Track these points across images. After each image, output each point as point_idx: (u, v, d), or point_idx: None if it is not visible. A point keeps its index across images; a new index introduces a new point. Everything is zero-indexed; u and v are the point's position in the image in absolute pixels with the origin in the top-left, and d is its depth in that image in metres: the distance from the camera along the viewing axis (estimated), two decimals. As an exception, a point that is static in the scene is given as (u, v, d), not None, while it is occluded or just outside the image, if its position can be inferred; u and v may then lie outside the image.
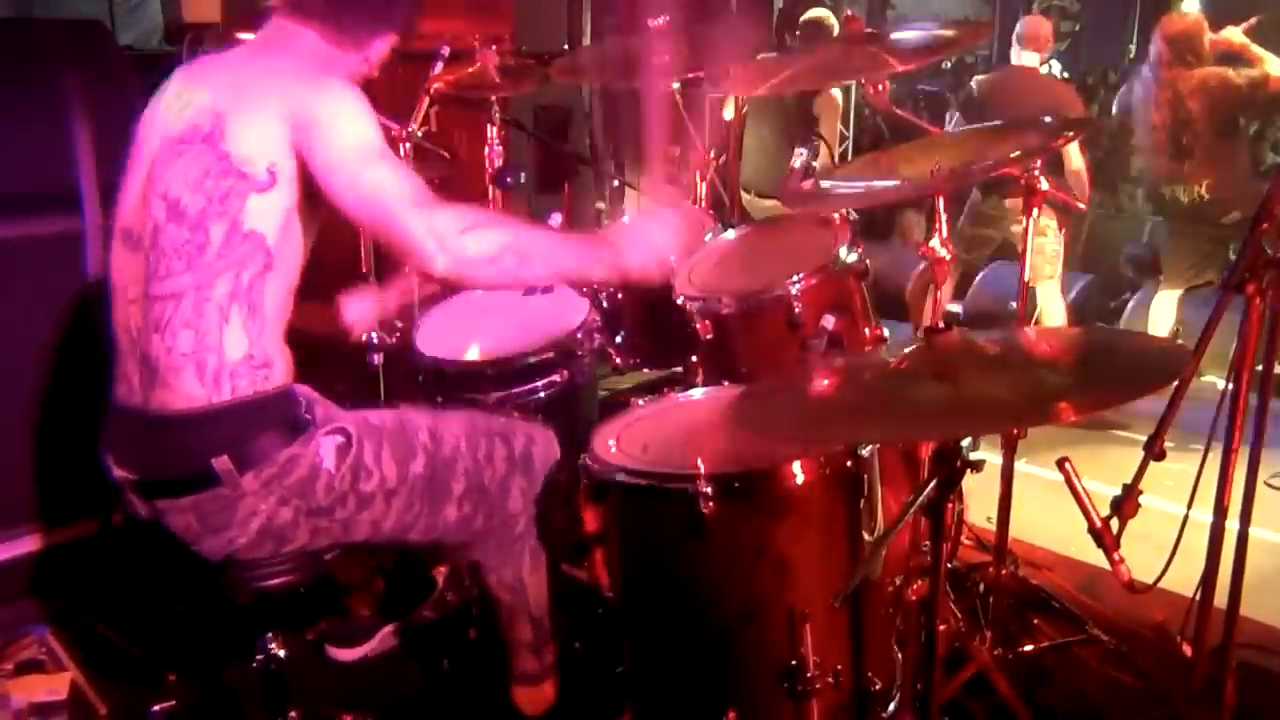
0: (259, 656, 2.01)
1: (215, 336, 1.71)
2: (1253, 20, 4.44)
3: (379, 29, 1.90)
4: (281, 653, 2.01)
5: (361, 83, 1.90)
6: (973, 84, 4.84)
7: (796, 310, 2.11)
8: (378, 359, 2.91)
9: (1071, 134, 2.36)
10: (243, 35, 2.98)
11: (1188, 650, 2.04)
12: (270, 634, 2.00)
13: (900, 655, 1.99)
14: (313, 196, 1.75)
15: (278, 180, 1.70)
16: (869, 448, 1.85)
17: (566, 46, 5.08)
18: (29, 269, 2.76)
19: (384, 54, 1.94)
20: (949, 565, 2.41)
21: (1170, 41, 4.44)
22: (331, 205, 1.73)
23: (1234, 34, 4.40)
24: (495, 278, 1.75)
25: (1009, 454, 2.45)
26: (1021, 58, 4.75)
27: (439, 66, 3.05)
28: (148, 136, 1.81)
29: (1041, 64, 4.84)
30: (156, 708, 2.39)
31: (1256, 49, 4.38)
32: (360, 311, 2.33)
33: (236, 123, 1.71)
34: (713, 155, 2.83)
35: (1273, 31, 4.60)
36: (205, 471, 1.72)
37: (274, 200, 1.71)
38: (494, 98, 3.10)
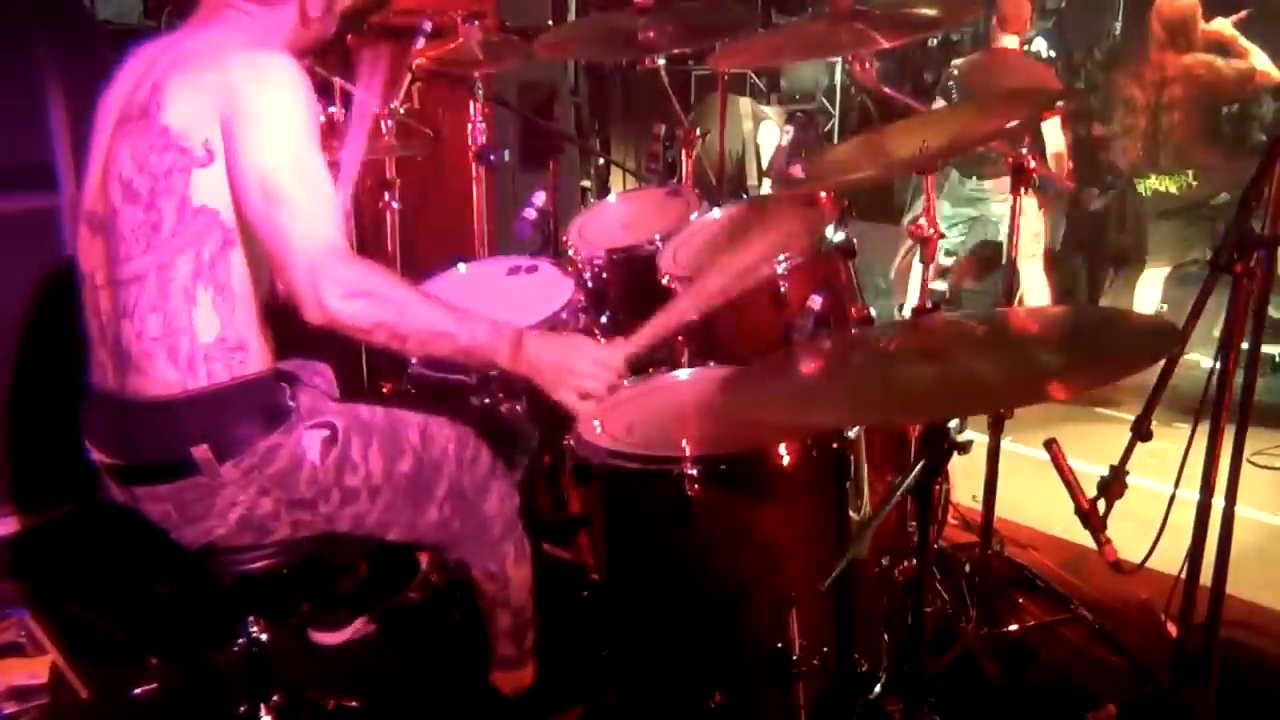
0: (240, 640, 1.99)
1: (184, 318, 1.67)
2: (1242, 13, 4.45)
3: None
4: (263, 636, 1.99)
5: (318, 37, 1.84)
6: (953, 66, 4.84)
7: (783, 290, 2.09)
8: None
9: (1060, 104, 2.34)
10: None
11: (1173, 629, 2.04)
12: (252, 617, 1.98)
13: (886, 636, 1.99)
14: None
15: (215, 156, 1.63)
16: (855, 429, 1.84)
17: (551, 22, 5.03)
18: (4, 245, 2.72)
19: (323, 5, 1.80)
20: (935, 546, 2.41)
21: (1165, 23, 4.44)
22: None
23: (1224, 25, 4.41)
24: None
25: (995, 433, 2.45)
26: (1001, 39, 4.75)
27: (421, 42, 3.01)
28: (104, 117, 1.76)
29: (1024, 43, 4.83)
30: (138, 691, 2.37)
31: (1244, 42, 4.39)
32: None
33: (171, 96, 1.65)
34: (698, 133, 2.80)
35: (1261, 25, 4.61)
36: (183, 460, 1.69)
37: (218, 175, 1.64)
38: (477, 74, 3.06)
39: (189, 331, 1.67)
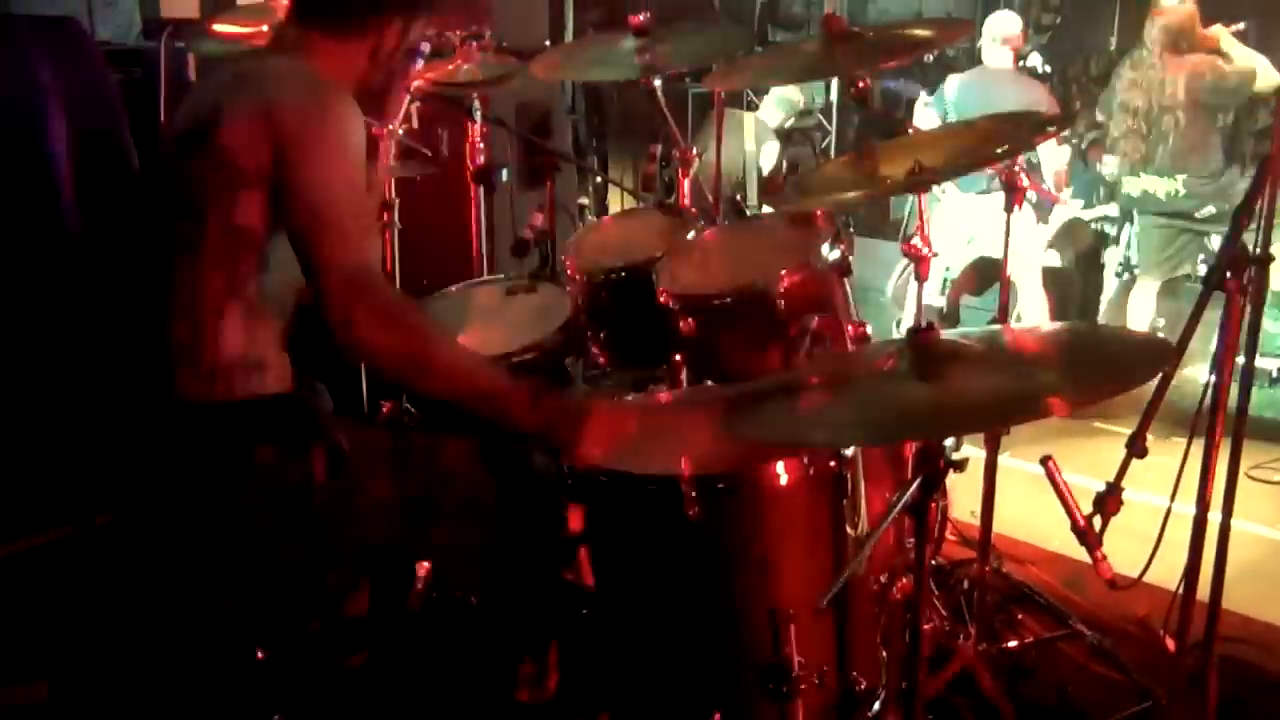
0: (240, 663, 1.99)
1: (211, 330, 1.71)
2: (1240, 24, 4.47)
3: (380, 13, 1.83)
4: (264, 658, 1.99)
5: (380, 83, 1.90)
6: (947, 83, 4.87)
7: (779, 308, 2.10)
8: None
9: (1051, 130, 2.36)
10: (219, 27, 2.98)
11: (1171, 644, 2.05)
12: (253, 640, 1.98)
13: (885, 654, 2.00)
14: None
15: (264, 177, 1.67)
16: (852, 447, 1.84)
17: (548, 43, 5.06)
18: (5, 268, 2.73)
19: (395, 46, 1.86)
20: (933, 562, 2.42)
21: (1165, 28, 4.46)
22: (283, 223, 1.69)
23: (1221, 32, 4.44)
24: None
25: (992, 449, 2.46)
26: (994, 57, 4.76)
27: (420, 63, 3.03)
28: (172, 130, 1.84)
29: (1019, 59, 4.86)
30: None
31: (1242, 48, 4.42)
32: None
33: (230, 115, 1.70)
34: (694, 152, 2.82)
35: (1257, 38, 4.64)
36: (194, 474, 1.71)
37: (262, 198, 1.68)
38: (475, 95, 3.08)
39: (215, 344, 1.71)
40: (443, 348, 1.68)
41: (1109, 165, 4.92)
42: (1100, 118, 5.03)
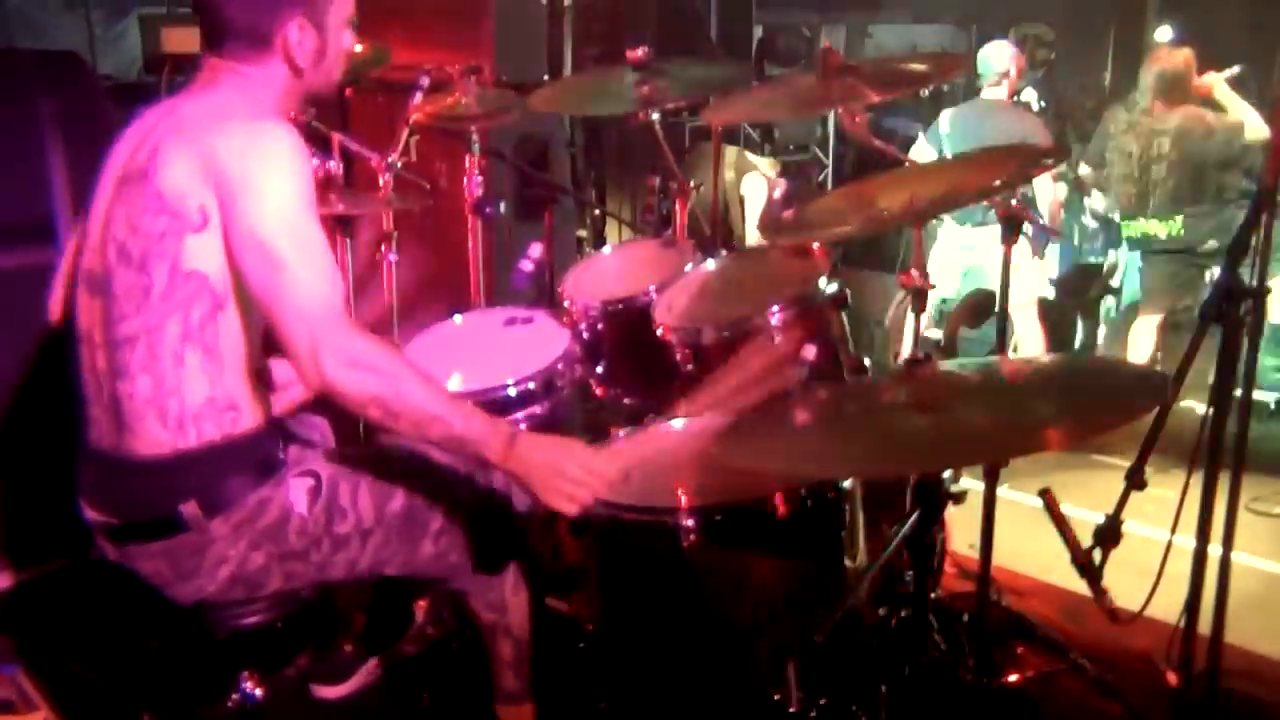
0: (235, 695, 1.97)
1: (174, 380, 1.67)
2: (1235, 69, 4.51)
3: (276, 11, 1.74)
4: (258, 691, 1.97)
5: (321, 86, 1.84)
6: (941, 116, 4.90)
7: (776, 341, 2.11)
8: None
9: (1048, 164, 2.38)
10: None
11: (1173, 678, 2.03)
12: (247, 671, 1.97)
13: (884, 687, 1.98)
14: None
15: (209, 221, 1.64)
16: (850, 479, 1.84)
17: (547, 77, 5.09)
18: (2, 301, 2.73)
19: (315, 46, 1.77)
20: (932, 595, 2.40)
21: (1159, 75, 4.50)
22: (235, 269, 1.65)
23: (1216, 80, 4.48)
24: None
25: (991, 481, 2.45)
26: (990, 90, 4.80)
27: (418, 97, 3.05)
28: (105, 178, 1.77)
29: (1013, 93, 4.89)
30: (131, 747, 2.34)
31: (1236, 99, 4.46)
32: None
33: (167, 160, 1.66)
34: (692, 185, 2.83)
35: (1251, 81, 4.68)
36: (173, 517, 1.69)
37: (211, 240, 1.65)
38: (474, 128, 3.09)
39: (178, 393, 1.68)
40: (412, 390, 1.63)
41: (1099, 202, 4.94)
42: (1084, 169, 5.06)
